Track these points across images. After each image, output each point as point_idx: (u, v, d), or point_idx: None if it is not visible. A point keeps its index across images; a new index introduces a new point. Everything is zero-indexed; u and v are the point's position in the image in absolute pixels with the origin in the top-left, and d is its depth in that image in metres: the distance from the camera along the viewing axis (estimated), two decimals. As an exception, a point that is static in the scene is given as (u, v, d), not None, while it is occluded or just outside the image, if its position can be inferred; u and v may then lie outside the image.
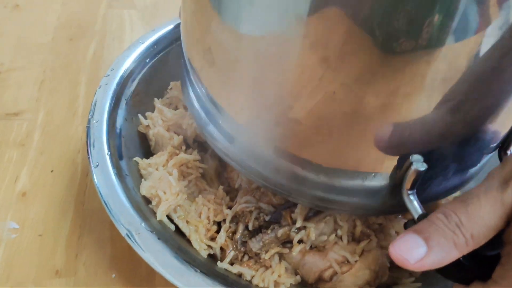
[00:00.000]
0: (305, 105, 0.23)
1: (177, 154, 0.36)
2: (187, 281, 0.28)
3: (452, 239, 0.21)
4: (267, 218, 0.34)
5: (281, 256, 0.33)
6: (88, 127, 0.37)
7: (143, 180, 0.36)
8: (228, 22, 0.24)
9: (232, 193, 0.37)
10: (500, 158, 0.28)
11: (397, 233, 0.34)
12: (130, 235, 0.30)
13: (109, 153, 0.35)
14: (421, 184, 0.25)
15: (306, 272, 0.32)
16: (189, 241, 0.34)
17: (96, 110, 0.38)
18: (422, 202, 0.25)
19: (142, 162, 0.37)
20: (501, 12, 0.18)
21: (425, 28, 0.18)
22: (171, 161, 0.36)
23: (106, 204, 0.32)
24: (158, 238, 0.30)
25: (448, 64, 0.20)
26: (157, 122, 0.39)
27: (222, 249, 0.34)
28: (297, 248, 0.32)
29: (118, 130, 0.38)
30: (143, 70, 0.43)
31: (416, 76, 0.20)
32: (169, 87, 0.44)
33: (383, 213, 0.32)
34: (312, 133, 0.24)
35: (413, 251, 0.22)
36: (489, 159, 0.29)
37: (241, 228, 0.34)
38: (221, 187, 0.36)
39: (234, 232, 0.34)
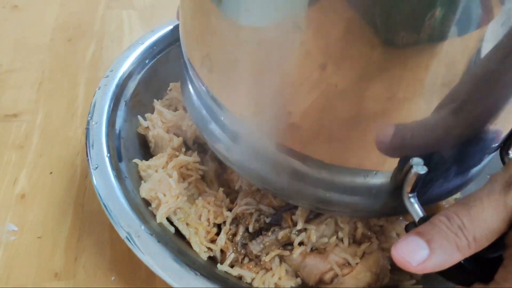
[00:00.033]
0: (306, 100, 0.23)
1: (177, 156, 0.36)
2: (187, 284, 0.28)
3: (455, 241, 0.21)
4: (267, 220, 0.34)
5: (282, 259, 0.33)
6: (87, 129, 0.36)
7: (142, 182, 0.36)
8: (228, 15, 0.23)
9: (232, 195, 0.37)
10: (502, 158, 0.28)
11: (398, 235, 0.34)
12: (129, 238, 0.30)
13: (109, 155, 0.35)
14: (422, 187, 0.25)
15: (306, 274, 0.32)
16: (189, 244, 0.33)
17: (95, 111, 0.38)
18: (424, 204, 0.25)
19: (142, 164, 0.37)
20: (503, 7, 0.18)
21: (427, 20, 0.18)
22: (170, 163, 0.36)
23: (105, 206, 0.32)
24: (158, 241, 0.30)
25: (450, 64, 0.20)
26: (156, 124, 0.39)
27: (222, 251, 0.34)
28: (297, 251, 0.32)
29: (117, 132, 0.38)
30: (143, 71, 0.42)
31: (419, 68, 0.20)
32: (169, 88, 0.44)
33: (384, 215, 0.32)
34: (313, 129, 0.24)
35: (415, 254, 0.21)
36: (491, 159, 0.29)
37: (241, 230, 0.34)
38: (221, 189, 0.36)
39: (234, 234, 0.34)
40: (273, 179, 0.28)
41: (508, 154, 0.28)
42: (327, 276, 0.31)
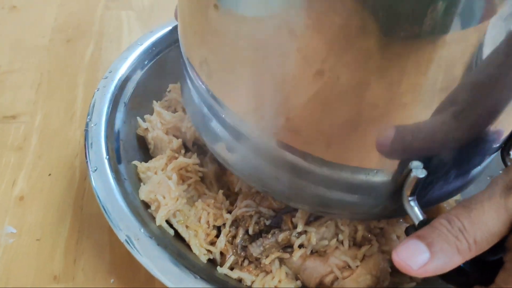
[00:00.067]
0: (306, 100, 0.23)
1: (176, 158, 0.36)
2: (186, 287, 0.28)
3: (455, 244, 0.21)
4: (267, 223, 0.33)
5: (282, 261, 0.33)
6: (86, 130, 0.36)
7: (142, 184, 0.36)
8: (225, 14, 0.23)
9: (232, 197, 0.36)
10: (503, 158, 0.28)
11: (399, 238, 0.34)
12: (129, 241, 0.30)
13: (108, 156, 0.35)
14: (422, 189, 0.25)
15: (306, 277, 0.32)
16: (188, 246, 0.33)
17: (94, 112, 0.37)
18: (424, 206, 0.25)
19: (141, 166, 0.37)
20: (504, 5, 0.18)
21: (429, 13, 0.18)
22: (170, 165, 0.35)
23: (104, 209, 0.32)
24: (157, 244, 0.30)
25: (449, 67, 0.20)
26: (156, 125, 0.39)
27: (222, 254, 0.34)
28: (298, 253, 0.32)
29: (116, 133, 0.38)
30: (142, 72, 0.42)
31: (421, 64, 0.20)
32: (168, 90, 0.44)
33: (384, 217, 0.32)
34: (313, 129, 0.24)
35: (416, 257, 0.21)
36: (491, 160, 0.29)
37: (241, 232, 0.33)
38: (220, 191, 0.36)
39: (234, 237, 0.34)
40: (273, 180, 0.28)
41: (509, 154, 0.28)
42: (328, 279, 0.31)
